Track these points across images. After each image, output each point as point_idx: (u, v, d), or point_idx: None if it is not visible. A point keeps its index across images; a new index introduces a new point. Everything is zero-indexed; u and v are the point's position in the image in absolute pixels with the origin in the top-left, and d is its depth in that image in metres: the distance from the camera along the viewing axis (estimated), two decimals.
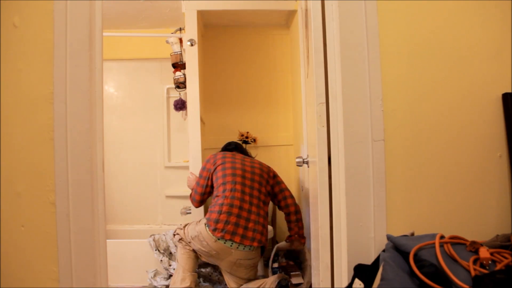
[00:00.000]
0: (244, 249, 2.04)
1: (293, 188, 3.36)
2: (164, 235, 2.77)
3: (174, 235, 2.30)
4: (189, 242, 2.18)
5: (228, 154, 2.38)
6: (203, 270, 2.53)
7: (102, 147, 1.35)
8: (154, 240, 2.69)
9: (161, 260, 2.61)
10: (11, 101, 1.26)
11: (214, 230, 2.03)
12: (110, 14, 3.07)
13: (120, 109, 3.56)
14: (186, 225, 2.27)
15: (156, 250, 2.65)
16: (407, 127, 1.29)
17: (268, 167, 2.39)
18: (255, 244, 2.05)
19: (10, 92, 1.26)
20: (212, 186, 2.31)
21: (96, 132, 1.31)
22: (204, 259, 2.23)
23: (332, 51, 1.33)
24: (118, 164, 3.50)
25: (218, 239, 2.02)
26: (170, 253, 2.67)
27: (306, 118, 2.54)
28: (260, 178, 2.26)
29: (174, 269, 2.57)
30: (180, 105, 3.14)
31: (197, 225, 2.16)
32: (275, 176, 2.39)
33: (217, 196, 2.19)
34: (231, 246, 2.03)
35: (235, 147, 2.56)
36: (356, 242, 1.26)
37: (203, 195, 2.34)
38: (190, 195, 2.44)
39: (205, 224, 2.09)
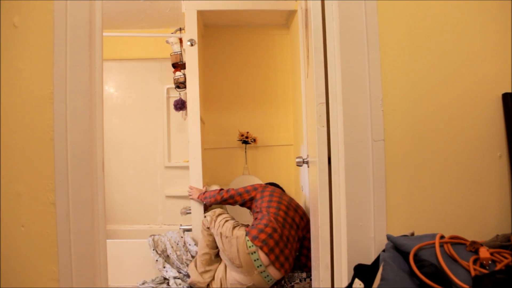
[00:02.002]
0: (265, 278, 2.03)
1: (293, 188, 3.37)
2: (163, 236, 2.77)
3: (205, 216, 2.38)
4: (210, 230, 2.23)
5: (278, 191, 2.45)
6: None
7: (102, 147, 1.35)
8: (153, 240, 2.70)
9: (156, 260, 2.62)
10: (11, 101, 1.26)
11: (254, 238, 2.02)
12: (110, 14, 3.07)
13: (120, 109, 3.55)
14: (219, 214, 2.32)
15: (153, 250, 2.66)
16: (407, 127, 1.29)
17: (308, 220, 2.37)
18: (278, 276, 2.03)
19: (10, 92, 1.26)
20: (243, 203, 2.45)
21: (96, 132, 1.31)
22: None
23: (332, 51, 1.33)
24: (118, 164, 3.50)
25: (253, 253, 2.00)
26: (167, 256, 2.68)
27: (306, 118, 2.54)
28: (297, 223, 2.30)
29: (167, 271, 2.58)
30: (180, 105, 3.14)
31: (235, 229, 2.15)
32: (307, 233, 2.35)
33: (257, 212, 2.26)
34: (258, 267, 2.01)
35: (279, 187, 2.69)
36: (356, 242, 1.26)
37: (226, 201, 2.45)
38: (207, 193, 2.53)
39: (246, 233, 2.08)
